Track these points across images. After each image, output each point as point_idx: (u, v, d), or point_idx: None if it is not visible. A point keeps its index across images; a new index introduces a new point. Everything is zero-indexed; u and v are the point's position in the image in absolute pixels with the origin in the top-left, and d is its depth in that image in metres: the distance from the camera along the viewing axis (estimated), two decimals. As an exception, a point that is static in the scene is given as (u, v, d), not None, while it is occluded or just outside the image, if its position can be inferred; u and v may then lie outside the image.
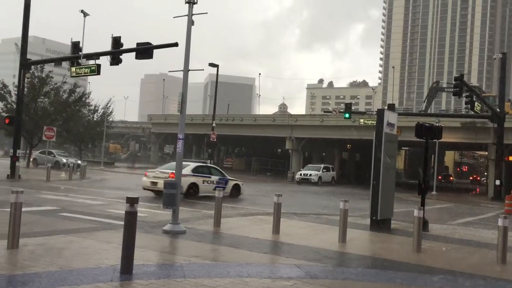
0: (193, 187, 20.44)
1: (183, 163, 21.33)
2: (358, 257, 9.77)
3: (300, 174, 41.67)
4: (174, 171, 19.51)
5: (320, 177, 41.03)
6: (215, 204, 12.48)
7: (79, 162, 37.26)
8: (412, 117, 40.37)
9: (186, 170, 19.78)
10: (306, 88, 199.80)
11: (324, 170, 42.59)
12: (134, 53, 19.56)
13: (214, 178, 21.67)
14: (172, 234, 10.70)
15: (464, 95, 31.58)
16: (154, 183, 19.85)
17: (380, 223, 13.58)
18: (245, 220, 14.22)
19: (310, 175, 40.84)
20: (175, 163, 22.64)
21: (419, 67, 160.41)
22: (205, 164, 23.28)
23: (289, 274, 7.58)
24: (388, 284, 7.50)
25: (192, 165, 21.39)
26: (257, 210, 17.43)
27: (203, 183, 20.97)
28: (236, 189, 22.71)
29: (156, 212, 14.78)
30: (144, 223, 11.78)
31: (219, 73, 42.71)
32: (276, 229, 11.76)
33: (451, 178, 67.70)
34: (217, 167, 24.07)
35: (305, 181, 40.26)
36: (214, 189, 17.97)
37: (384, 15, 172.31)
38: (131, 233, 7.06)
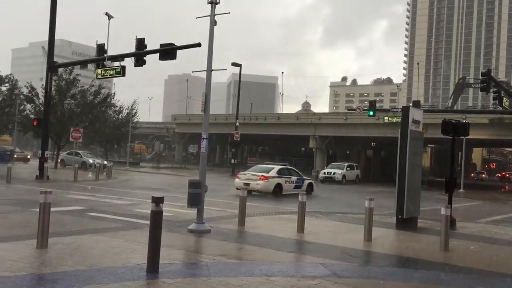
0: (278, 186, 23.47)
1: (269, 166, 25.66)
2: (384, 256, 9.66)
3: (324, 173, 41.38)
4: (263, 174, 23.55)
5: (344, 176, 40.67)
6: (239, 203, 12.52)
7: (105, 162, 37.85)
8: (438, 114, 39.71)
9: (273, 172, 23.64)
10: (330, 86, 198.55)
11: (348, 169, 42.17)
12: (158, 54, 19.74)
13: (294, 178, 24.75)
14: (197, 233, 10.77)
15: (491, 90, 30.79)
16: (247, 184, 22.98)
17: (406, 222, 13.39)
18: (270, 219, 14.22)
19: (334, 173, 40.52)
20: (261, 165, 26.48)
21: (445, 63, 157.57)
22: (286, 167, 25.87)
23: (314, 273, 7.55)
24: (415, 284, 7.40)
25: (277, 168, 24.45)
26: (282, 209, 17.40)
27: (285, 183, 23.95)
28: (310, 187, 25.59)
29: (181, 211, 14.90)
30: (169, 223, 11.89)
31: (242, 73, 42.86)
32: (301, 228, 11.72)
33: (483, 175, 66.19)
34: (295, 169, 26.62)
35: (329, 179, 39.97)
36: (294, 188, 23.94)
37: (408, 10, 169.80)
38: (156, 232, 7.14)
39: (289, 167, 26.75)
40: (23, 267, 6.94)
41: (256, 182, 23.06)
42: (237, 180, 24.38)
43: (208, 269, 7.44)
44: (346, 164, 43.40)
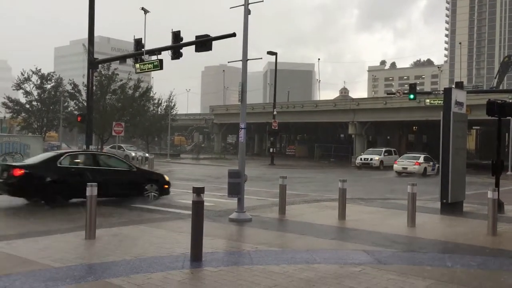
0: (425, 170, 31.53)
1: (416, 155, 34.38)
2: (428, 241, 9.48)
3: (361, 159, 40.31)
4: (417, 160, 32.16)
5: (381, 161, 39.57)
6: (279, 191, 12.53)
7: (147, 155, 38.67)
8: (483, 94, 38.31)
9: (421, 159, 32.24)
10: (368, 71, 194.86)
11: (385, 154, 40.94)
12: (193, 46, 19.90)
13: (431, 163, 31.86)
14: (238, 222, 10.88)
15: (539, 68, 29.50)
16: (405, 168, 32.11)
17: (451, 206, 13.07)
18: (310, 206, 14.18)
19: (371, 159, 39.49)
20: (410, 154, 34.92)
21: (489, 41, 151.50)
22: (426, 155, 33.23)
23: (357, 260, 7.49)
24: (462, 269, 7.22)
25: (422, 156, 32.92)
26: (322, 196, 17.31)
27: (428, 167, 31.91)
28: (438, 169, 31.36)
29: (222, 201, 15.07)
30: (211, 212, 12.06)
31: (277, 61, 42.64)
32: (342, 215, 11.64)
33: None
34: (430, 157, 32.66)
35: (366, 165, 39.01)
36: (431, 170, 31.53)
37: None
38: (199, 222, 7.26)
39: (428, 155, 33.46)
40: (74, 258, 7.22)
41: (413, 166, 31.72)
42: (395, 165, 32.95)
43: (250, 257, 7.51)
44: (383, 149, 42.22)
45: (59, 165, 13.76)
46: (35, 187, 13.10)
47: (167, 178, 16.01)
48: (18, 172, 13.09)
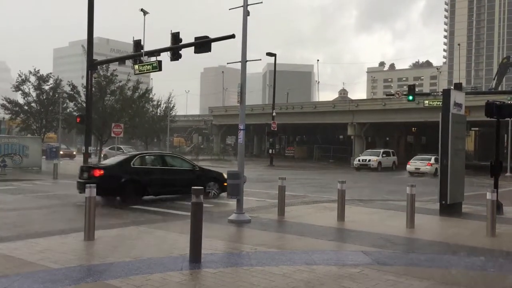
0: (436, 170, 30.30)
1: (427, 156, 35.26)
2: (427, 242, 9.48)
3: (359, 160, 40.19)
4: (428, 161, 33.61)
5: (379, 163, 39.45)
6: (278, 192, 12.54)
7: (146, 156, 38.53)
8: (482, 95, 38.33)
9: (433, 160, 33.14)
10: (367, 72, 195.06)
11: (384, 155, 40.79)
12: (193, 48, 19.91)
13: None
14: (237, 224, 10.88)
15: (538, 69, 29.56)
16: (417, 168, 33.92)
17: (450, 208, 13.08)
18: (309, 207, 14.19)
19: (369, 160, 39.33)
20: (422, 156, 36.10)
21: (487, 43, 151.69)
22: (437, 156, 34.45)
23: (356, 261, 7.50)
24: (461, 270, 7.23)
25: (433, 157, 33.09)
26: (321, 197, 17.32)
27: (438, 168, 31.25)
28: None
29: (221, 202, 15.06)
30: (210, 214, 12.06)
31: (277, 62, 42.67)
32: (341, 216, 11.65)
33: None
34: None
35: (364, 167, 38.88)
36: None
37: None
38: (198, 223, 7.26)
39: (437, 157, 35.02)
40: (72, 259, 7.22)
41: (425, 167, 33.51)
42: (408, 166, 34.73)
43: (249, 259, 7.51)
44: (381, 150, 42.08)
45: (132, 166, 15.10)
46: (113, 186, 14.22)
47: (226, 176, 16.51)
48: (98, 173, 14.38)
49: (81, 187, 13.77)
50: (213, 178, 16.61)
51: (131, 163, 15.13)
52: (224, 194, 16.27)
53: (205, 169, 17.47)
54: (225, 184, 16.04)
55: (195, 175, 15.98)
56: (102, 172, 14.42)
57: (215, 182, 16.43)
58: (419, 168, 33.85)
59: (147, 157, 16.58)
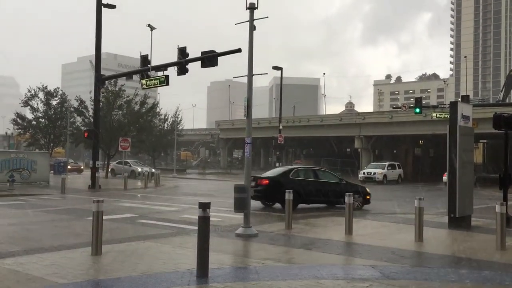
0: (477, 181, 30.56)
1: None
2: (436, 256, 9.38)
3: (364, 173, 39.87)
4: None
5: (385, 175, 39.09)
6: (286, 206, 12.49)
7: (153, 170, 38.72)
8: (489, 107, 38.21)
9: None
10: (373, 85, 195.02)
11: (389, 168, 40.43)
12: (199, 62, 20.05)
13: None
14: (244, 237, 10.84)
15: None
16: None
17: (459, 221, 12.95)
18: (317, 221, 14.10)
19: (374, 173, 39.03)
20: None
21: (494, 55, 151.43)
22: None
23: (364, 275, 7.42)
24: (471, 284, 7.13)
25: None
26: (328, 210, 17.22)
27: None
28: None
29: (228, 216, 15.03)
30: (217, 227, 12.02)
31: (283, 76, 42.81)
32: (349, 229, 11.57)
33: None
34: None
35: (369, 180, 38.38)
36: None
37: (452, 3, 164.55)
38: (204, 238, 7.23)
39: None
40: (80, 274, 7.21)
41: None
42: (444, 177, 31.72)
43: (257, 273, 7.46)
44: (387, 163, 41.69)
45: (291, 177, 17.32)
46: (275, 195, 16.27)
47: (368, 190, 18.47)
48: (264, 182, 16.63)
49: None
50: (357, 191, 17.73)
51: (290, 175, 17.44)
52: (367, 206, 18.15)
53: (350, 183, 19.01)
54: (368, 197, 18.28)
55: (341, 188, 17.32)
56: (267, 181, 16.76)
57: (359, 195, 17.67)
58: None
59: (302, 170, 18.83)
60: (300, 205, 17.00)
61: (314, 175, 18.30)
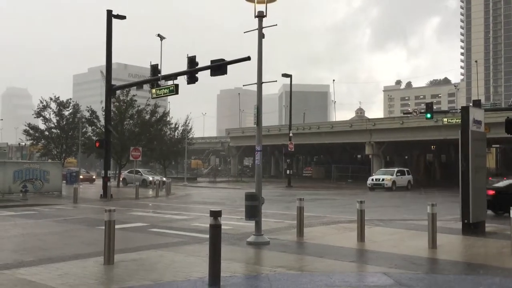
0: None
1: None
2: (450, 263, 9.27)
3: (372, 180, 39.14)
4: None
5: (394, 182, 38.37)
6: (296, 213, 12.45)
7: (164, 179, 38.82)
8: (501, 112, 37.91)
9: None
10: (383, 91, 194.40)
11: (398, 174, 39.70)
12: (209, 71, 20.14)
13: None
14: (256, 245, 10.81)
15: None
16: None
17: (473, 227, 12.81)
18: (328, 228, 14.03)
19: (383, 180, 38.24)
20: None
21: (505, 59, 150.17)
22: None
23: (377, 283, 7.36)
24: (486, 292, 7.04)
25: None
26: (340, 217, 17.13)
27: None
28: None
29: (239, 224, 15.01)
30: (228, 236, 12.01)
31: (292, 83, 42.85)
32: (361, 236, 11.48)
33: None
34: None
35: (378, 186, 37.81)
36: None
37: (462, 8, 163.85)
38: (216, 246, 7.22)
39: None
40: (93, 284, 7.23)
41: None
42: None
43: (269, 281, 7.43)
44: (396, 169, 40.97)
45: None
46: (503, 204, 16.42)
47: None
48: (491, 192, 17.05)
49: None
50: None
51: None
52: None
53: None
54: None
55: None
56: (493, 192, 17.31)
57: None
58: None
59: None
60: (306, 213, 16.73)
61: None
